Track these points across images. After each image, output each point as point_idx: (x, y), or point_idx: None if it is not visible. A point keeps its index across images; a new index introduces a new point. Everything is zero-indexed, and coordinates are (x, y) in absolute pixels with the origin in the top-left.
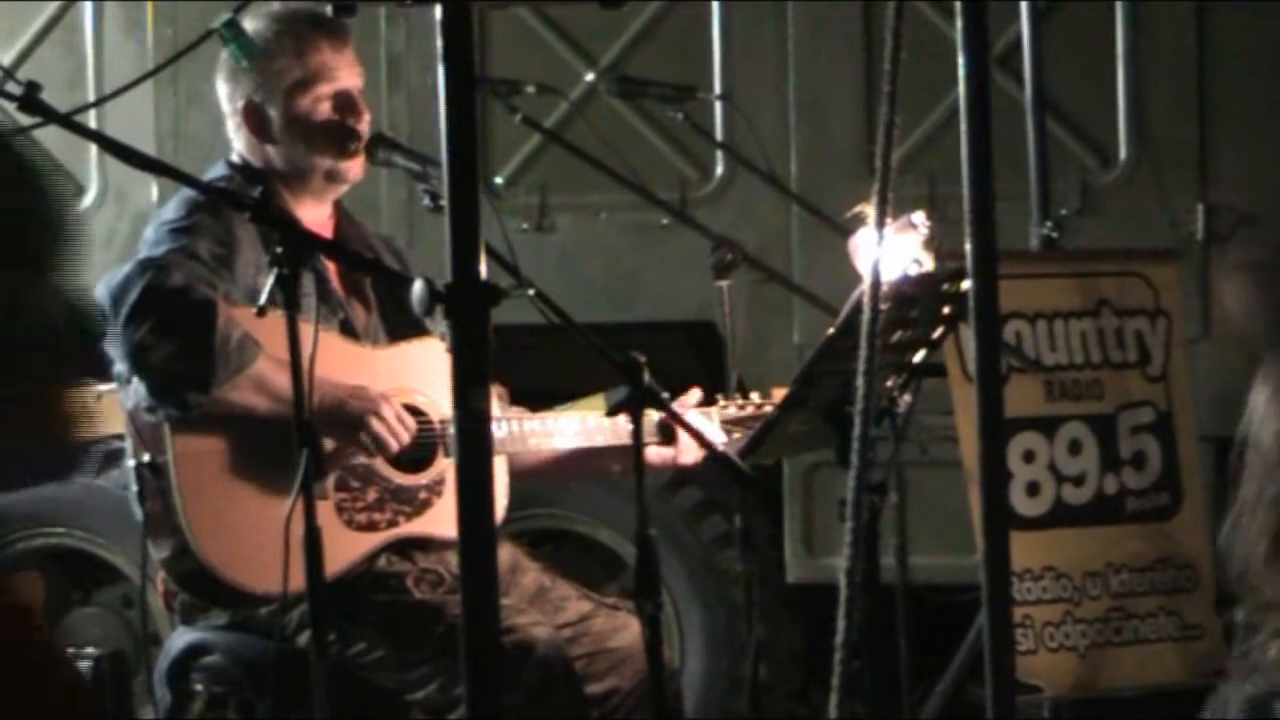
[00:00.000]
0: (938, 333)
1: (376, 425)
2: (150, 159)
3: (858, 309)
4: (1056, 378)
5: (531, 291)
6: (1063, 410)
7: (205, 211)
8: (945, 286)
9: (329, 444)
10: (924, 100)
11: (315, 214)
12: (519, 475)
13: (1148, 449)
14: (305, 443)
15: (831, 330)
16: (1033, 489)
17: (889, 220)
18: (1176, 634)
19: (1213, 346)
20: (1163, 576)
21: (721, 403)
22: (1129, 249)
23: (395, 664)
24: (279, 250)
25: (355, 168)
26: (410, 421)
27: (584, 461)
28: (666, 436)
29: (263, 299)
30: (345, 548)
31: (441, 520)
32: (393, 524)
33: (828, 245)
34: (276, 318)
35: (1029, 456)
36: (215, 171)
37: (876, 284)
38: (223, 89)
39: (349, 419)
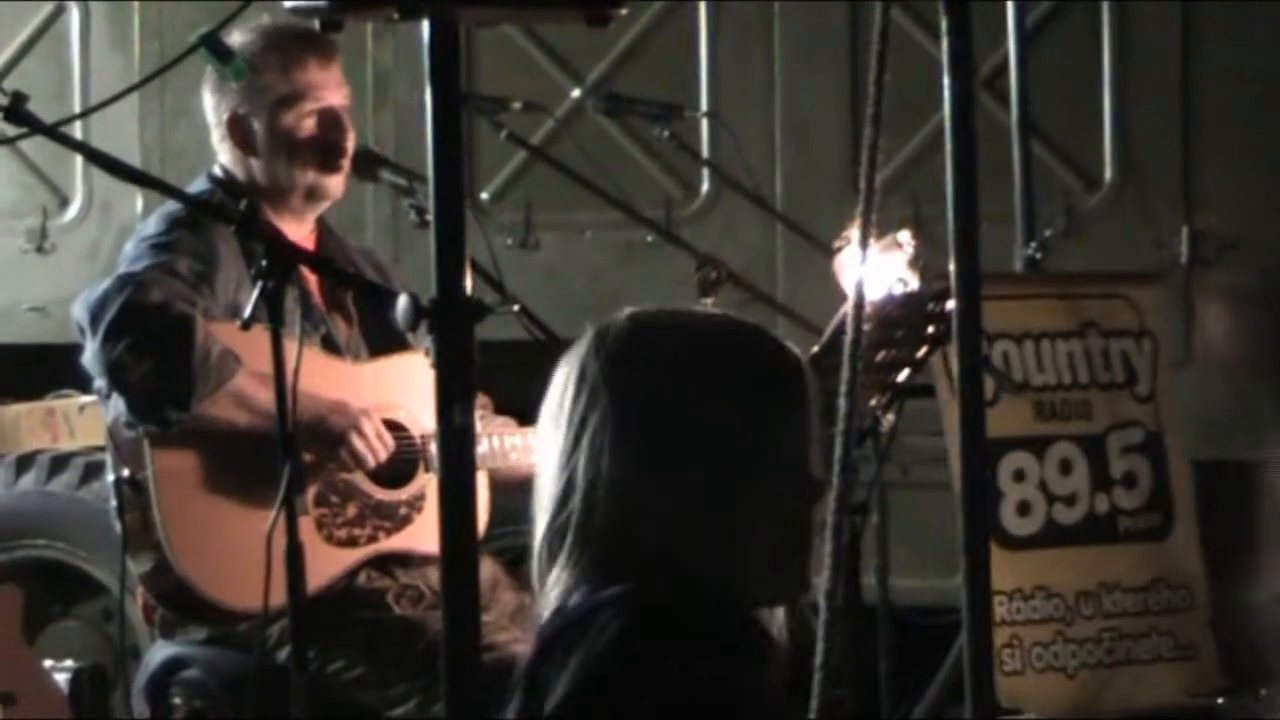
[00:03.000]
0: (922, 352)
1: (356, 442)
2: (136, 171)
3: (842, 328)
4: (1046, 398)
5: (516, 307)
6: (1053, 430)
7: (185, 227)
8: (930, 306)
9: (308, 459)
10: (910, 121)
11: (297, 229)
12: (498, 488)
13: (1138, 469)
14: (288, 457)
15: (815, 349)
16: (1023, 508)
17: (874, 240)
18: (1170, 654)
19: (1196, 371)
20: (1157, 597)
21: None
22: (1113, 272)
23: (375, 681)
24: (264, 264)
25: (337, 184)
26: (389, 438)
27: None
28: None
29: (247, 312)
30: (325, 563)
31: (422, 536)
32: (373, 539)
33: (812, 264)
34: (257, 332)
35: (1019, 475)
36: (197, 185)
37: (860, 304)
38: (208, 100)
39: (329, 435)
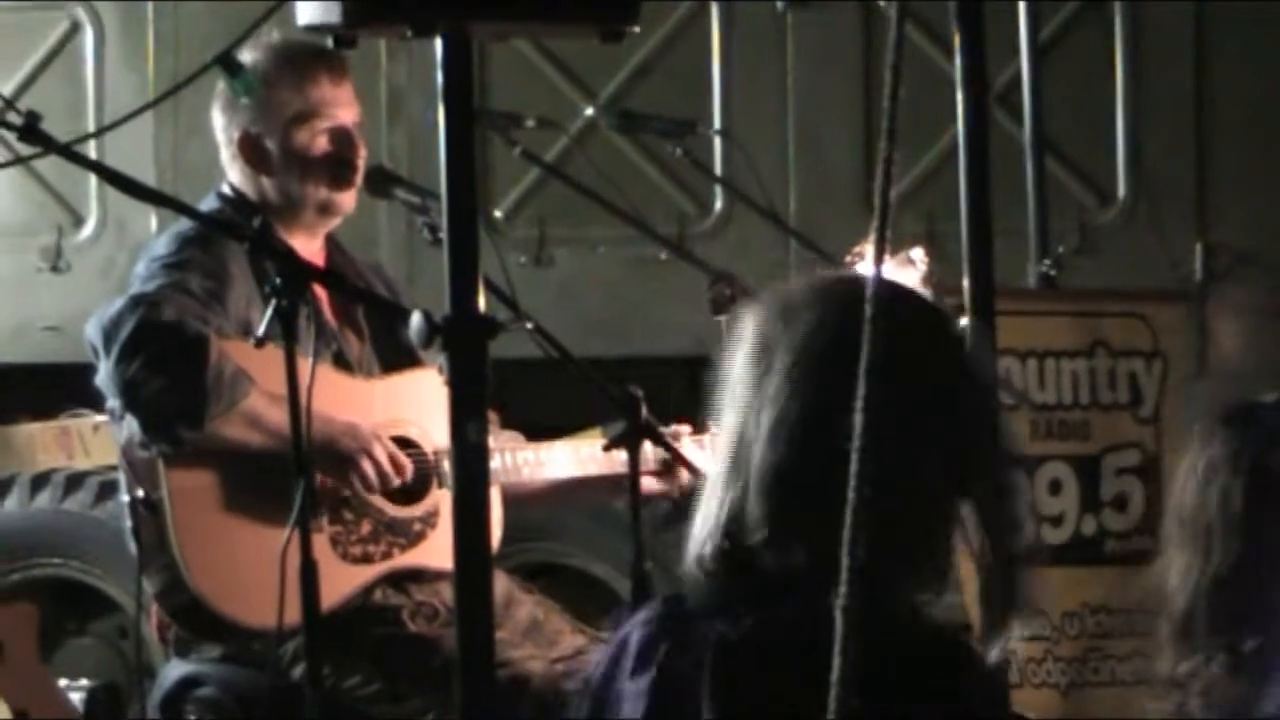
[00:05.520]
0: None
1: (366, 465)
2: (150, 190)
3: None
4: (1043, 417)
5: (530, 325)
6: (1045, 450)
7: (196, 246)
8: None
9: (319, 479)
10: (923, 137)
11: (307, 246)
12: (509, 503)
13: (1131, 492)
14: (302, 476)
15: None
16: None
17: (887, 256)
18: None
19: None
20: (1144, 620)
21: (714, 430)
22: (1134, 289)
23: (390, 697)
24: (278, 282)
25: (348, 200)
26: (403, 461)
27: (576, 490)
28: (665, 467)
29: (260, 330)
30: (340, 580)
31: (436, 552)
32: (387, 556)
33: None
34: (269, 350)
35: None
36: (206, 204)
37: (874, 319)
38: (218, 119)
39: (340, 457)
